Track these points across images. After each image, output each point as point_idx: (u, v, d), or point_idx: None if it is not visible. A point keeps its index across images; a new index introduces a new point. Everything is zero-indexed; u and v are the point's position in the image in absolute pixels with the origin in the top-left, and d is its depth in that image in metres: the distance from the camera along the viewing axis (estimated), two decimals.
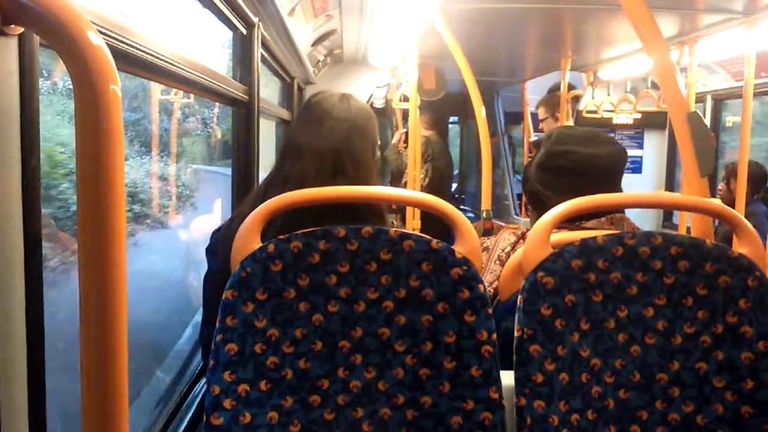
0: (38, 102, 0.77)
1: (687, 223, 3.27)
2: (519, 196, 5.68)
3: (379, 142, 1.56)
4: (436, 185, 4.95)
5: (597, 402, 1.19)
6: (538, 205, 1.73)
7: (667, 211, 4.88)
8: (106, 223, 0.67)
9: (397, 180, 5.28)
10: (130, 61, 1.17)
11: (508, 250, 1.69)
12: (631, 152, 4.94)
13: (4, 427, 0.75)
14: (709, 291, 1.21)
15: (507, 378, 1.21)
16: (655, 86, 4.23)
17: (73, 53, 0.65)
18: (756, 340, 1.21)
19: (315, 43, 3.52)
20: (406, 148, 5.01)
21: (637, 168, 5.00)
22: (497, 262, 1.69)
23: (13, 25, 0.70)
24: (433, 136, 5.28)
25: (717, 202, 1.32)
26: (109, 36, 1.00)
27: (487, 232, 3.34)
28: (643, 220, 4.36)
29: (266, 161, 2.60)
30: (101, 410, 0.70)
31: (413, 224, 3.36)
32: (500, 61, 4.57)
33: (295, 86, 4.16)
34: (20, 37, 0.74)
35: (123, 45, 1.08)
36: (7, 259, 0.73)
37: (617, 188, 1.67)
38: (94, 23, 0.67)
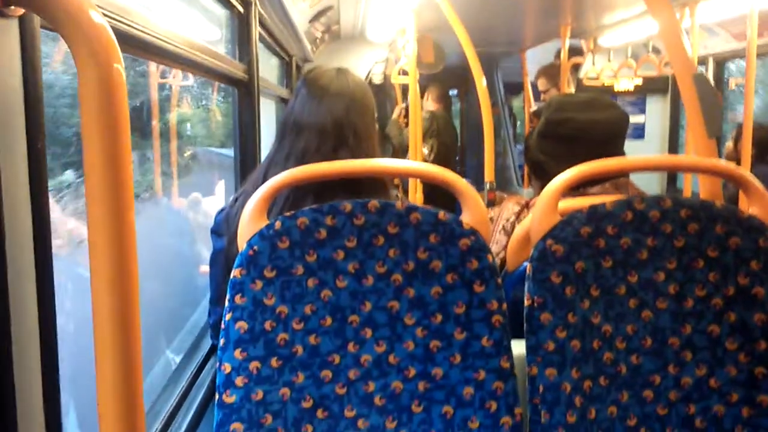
0: (41, 84, 0.76)
1: (692, 187, 3.26)
2: (521, 167, 5.67)
3: (376, 115, 1.56)
4: (441, 160, 4.95)
5: (609, 368, 1.20)
6: (541, 174, 1.72)
7: (671, 176, 4.87)
8: (114, 203, 0.67)
9: (400, 155, 5.27)
10: (131, 42, 1.16)
11: (512, 220, 1.69)
12: (633, 118, 4.91)
13: (20, 422, 0.75)
14: (720, 253, 1.21)
15: (517, 347, 1.21)
16: (656, 51, 4.19)
17: (75, 33, 0.64)
18: None
19: (312, 20, 3.50)
20: (407, 124, 4.99)
21: (639, 134, 4.97)
22: (502, 232, 1.70)
23: (13, 6, 0.69)
24: (439, 111, 5.26)
25: (726, 163, 1.31)
26: (109, 17, 0.99)
27: (491, 203, 3.34)
28: (646, 186, 4.35)
29: (267, 140, 2.59)
30: (117, 403, 0.70)
31: (416, 198, 3.36)
32: (499, 30, 4.53)
33: (294, 64, 4.13)
34: (21, 18, 0.73)
35: (123, 25, 1.07)
36: (17, 242, 0.73)
37: (620, 152, 1.67)
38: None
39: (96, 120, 0.65)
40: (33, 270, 0.76)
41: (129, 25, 1.09)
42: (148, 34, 1.20)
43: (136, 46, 1.21)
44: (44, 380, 0.79)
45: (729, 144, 4.11)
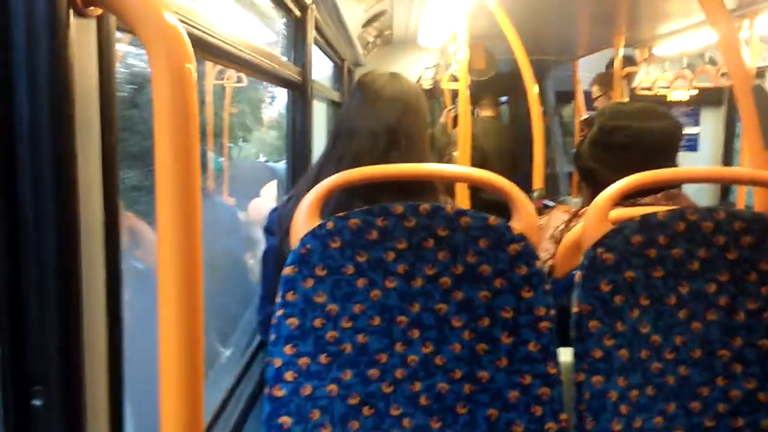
0: (115, 82, 0.80)
1: (745, 201, 3.19)
2: (568, 176, 5.60)
3: (428, 119, 1.57)
4: (476, 165, 4.88)
5: (657, 378, 1.19)
6: (591, 182, 1.72)
7: (724, 189, 4.77)
8: (183, 200, 0.69)
9: (442, 157, 5.25)
10: (197, 44, 1.20)
11: (561, 228, 1.68)
12: (686, 130, 4.82)
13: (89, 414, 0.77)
14: None
15: (563, 355, 1.21)
16: (713, 62, 4.11)
17: (150, 34, 0.67)
18: None
19: (365, 25, 3.54)
20: (454, 127, 4.98)
21: (692, 146, 4.88)
22: (551, 240, 1.69)
23: (92, 7, 0.73)
24: (483, 117, 5.23)
25: None
26: (180, 19, 1.03)
27: (539, 211, 3.31)
28: (699, 199, 4.27)
29: (318, 142, 2.63)
30: (179, 394, 0.72)
31: (464, 203, 3.35)
32: (552, 38, 4.51)
33: (346, 68, 4.17)
34: (98, 18, 0.76)
35: (191, 28, 1.10)
36: (89, 233, 0.76)
37: (673, 163, 1.65)
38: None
39: (168, 118, 0.67)
40: (103, 262, 0.79)
41: (197, 28, 1.13)
42: (213, 36, 1.23)
43: (201, 47, 1.25)
44: (109, 375, 0.81)
45: None
